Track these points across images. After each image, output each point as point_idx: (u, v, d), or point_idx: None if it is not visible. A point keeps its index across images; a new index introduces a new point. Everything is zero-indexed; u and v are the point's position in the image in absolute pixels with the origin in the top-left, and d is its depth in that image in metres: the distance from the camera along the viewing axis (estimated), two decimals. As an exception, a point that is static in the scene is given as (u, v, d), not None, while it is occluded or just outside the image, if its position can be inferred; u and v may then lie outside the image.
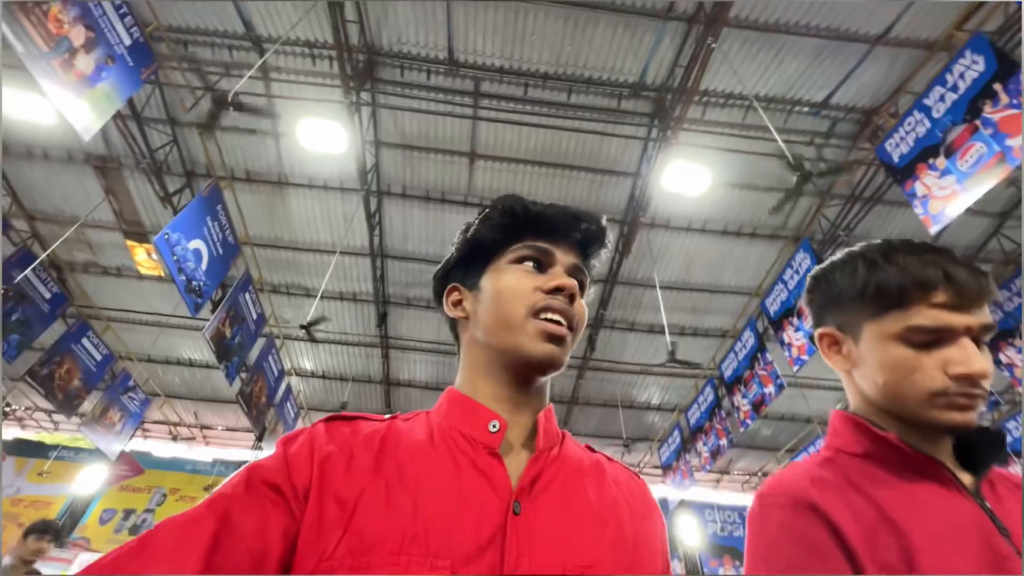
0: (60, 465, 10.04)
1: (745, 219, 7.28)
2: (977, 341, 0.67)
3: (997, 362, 5.94)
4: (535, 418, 0.64)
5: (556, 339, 0.63)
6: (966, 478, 0.67)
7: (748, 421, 6.94)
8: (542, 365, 0.63)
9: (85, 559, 8.32)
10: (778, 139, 4.88)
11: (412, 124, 6.61)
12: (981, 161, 3.60)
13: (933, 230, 3.97)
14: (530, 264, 0.68)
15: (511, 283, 0.66)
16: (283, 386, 9.21)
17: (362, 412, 0.66)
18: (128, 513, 9.73)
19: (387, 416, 0.66)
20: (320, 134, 5.77)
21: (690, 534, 10.62)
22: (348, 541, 0.49)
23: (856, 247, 0.77)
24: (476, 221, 0.73)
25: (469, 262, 0.72)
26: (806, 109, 6.20)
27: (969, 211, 3.97)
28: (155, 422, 11.78)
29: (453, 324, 0.75)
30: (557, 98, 6.30)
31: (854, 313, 0.73)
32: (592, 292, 0.77)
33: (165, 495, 10.12)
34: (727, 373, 7.45)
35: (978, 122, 3.63)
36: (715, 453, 8.06)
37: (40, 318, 6.84)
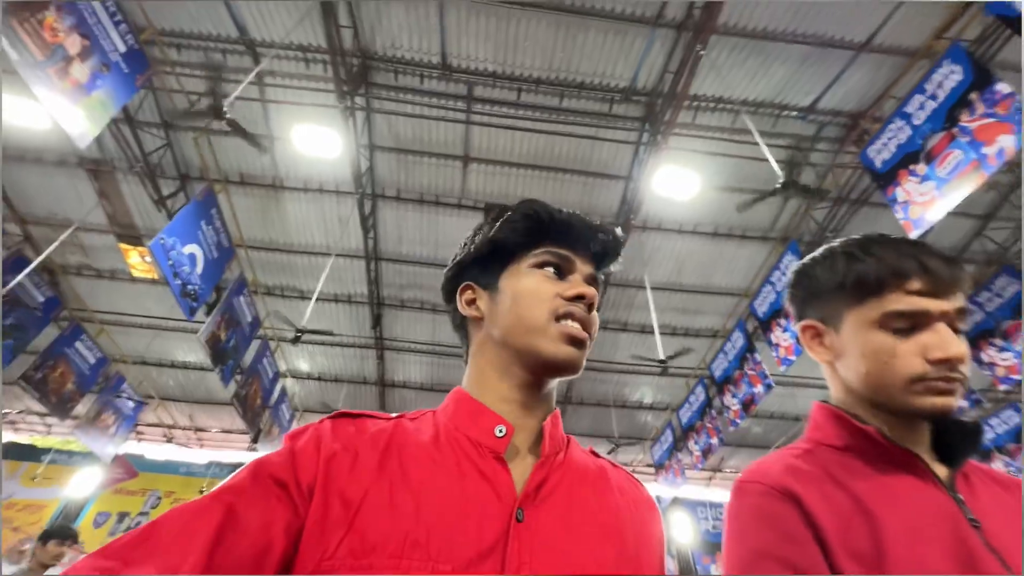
0: (53, 468, 10.00)
1: (735, 221, 7.39)
2: (954, 328, 0.69)
3: (978, 361, 6.09)
4: (542, 423, 0.65)
5: (577, 343, 0.64)
6: (942, 471, 0.69)
7: (738, 420, 7.06)
8: (562, 367, 0.64)
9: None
10: (762, 144, 4.99)
11: (406, 128, 6.67)
12: (958, 168, 3.72)
13: (914, 234, 4.08)
14: (550, 270, 0.68)
15: (533, 287, 0.66)
16: (278, 388, 9.24)
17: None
18: (122, 516, 9.71)
19: (394, 415, 0.66)
20: (314, 138, 5.81)
21: (683, 532, 10.75)
22: (350, 541, 0.50)
23: (835, 242, 0.79)
24: (495, 221, 0.72)
25: (486, 262, 0.72)
26: (794, 113, 6.32)
27: (952, 213, 4.09)
28: (149, 424, 11.76)
29: (462, 323, 0.74)
30: (549, 102, 6.38)
31: (835, 304, 0.76)
32: None
33: (160, 498, 10.12)
34: (717, 373, 7.57)
35: (956, 130, 3.74)
36: (706, 452, 8.18)
37: (33, 322, 6.84)
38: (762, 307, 6.50)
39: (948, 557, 0.59)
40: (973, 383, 7.78)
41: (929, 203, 3.94)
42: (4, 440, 10.76)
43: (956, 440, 0.71)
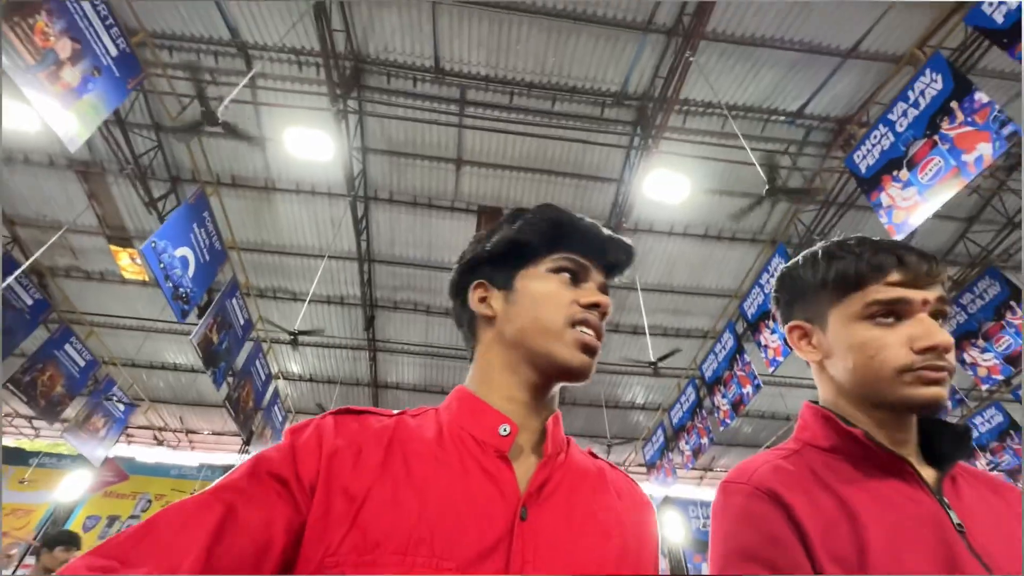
0: (42, 472, 9.90)
1: (725, 224, 7.48)
2: (936, 319, 0.70)
3: (961, 361, 6.21)
4: (544, 423, 0.65)
5: (591, 351, 0.65)
6: (929, 474, 0.68)
7: (728, 420, 7.15)
8: (575, 374, 0.65)
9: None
10: (748, 150, 5.07)
11: (399, 131, 6.69)
12: (940, 174, 3.81)
13: (897, 238, 4.17)
14: (567, 276, 0.69)
15: (551, 291, 0.67)
16: (270, 390, 9.21)
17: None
18: (112, 520, 9.63)
19: (395, 412, 0.66)
20: (307, 141, 5.82)
21: (674, 530, 10.84)
22: (353, 538, 0.49)
23: (816, 245, 0.81)
24: (514, 223, 0.73)
25: (501, 262, 0.72)
26: (782, 118, 6.42)
27: (937, 216, 4.20)
28: (140, 427, 11.67)
29: (470, 320, 0.74)
30: (542, 106, 6.43)
31: (819, 303, 0.77)
32: None
33: (150, 501, 10.05)
34: (708, 373, 7.65)
35: (937, 137, 3.84)
36: (697, 451, 8.27)
37: (22, 324, 6.77)
38: (751, 309, 6.59)
39: (931, 561, 0.59)
40: (956, 383, 7.95)
41: (912, 208, 4.03)
42: (-9, 444, 10.63)
43: (944, 443, 0.71)
